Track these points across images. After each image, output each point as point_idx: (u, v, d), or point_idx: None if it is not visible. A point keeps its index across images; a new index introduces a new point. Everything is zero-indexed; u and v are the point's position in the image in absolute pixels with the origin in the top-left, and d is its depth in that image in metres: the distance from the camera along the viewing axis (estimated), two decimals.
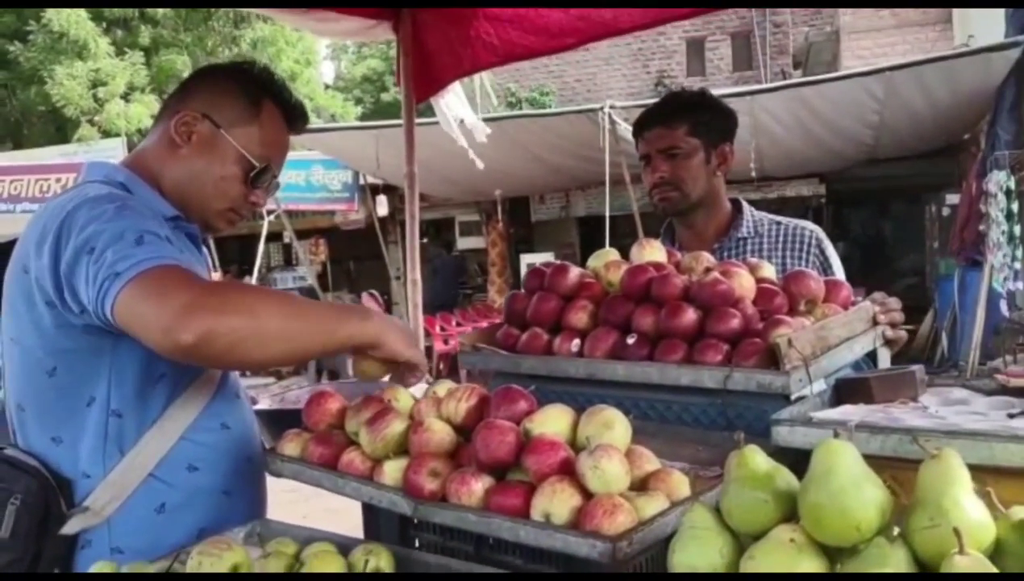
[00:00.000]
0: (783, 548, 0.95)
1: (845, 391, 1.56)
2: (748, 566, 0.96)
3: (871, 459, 0.99)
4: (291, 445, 1.56)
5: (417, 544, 1.45)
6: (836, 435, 0.98)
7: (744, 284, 1.74)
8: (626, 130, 9.51)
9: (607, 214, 8.93)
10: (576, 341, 1.80)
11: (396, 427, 1.43)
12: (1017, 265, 6.36)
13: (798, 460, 1.08)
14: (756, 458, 1.03)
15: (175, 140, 1.61)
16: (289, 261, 14.72)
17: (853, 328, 1.75)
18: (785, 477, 1.02)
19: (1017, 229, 6.45)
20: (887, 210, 15.42)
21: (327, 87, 20.28)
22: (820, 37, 16.49)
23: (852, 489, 0.93)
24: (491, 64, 2.84)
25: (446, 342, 11.16)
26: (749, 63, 19.15)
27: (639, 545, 1.16)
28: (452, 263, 14.26)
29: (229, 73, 1.70)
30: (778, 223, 2.33)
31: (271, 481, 1.69)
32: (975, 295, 6.56)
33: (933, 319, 9.83)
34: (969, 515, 0.89)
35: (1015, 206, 6.53)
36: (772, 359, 1.56)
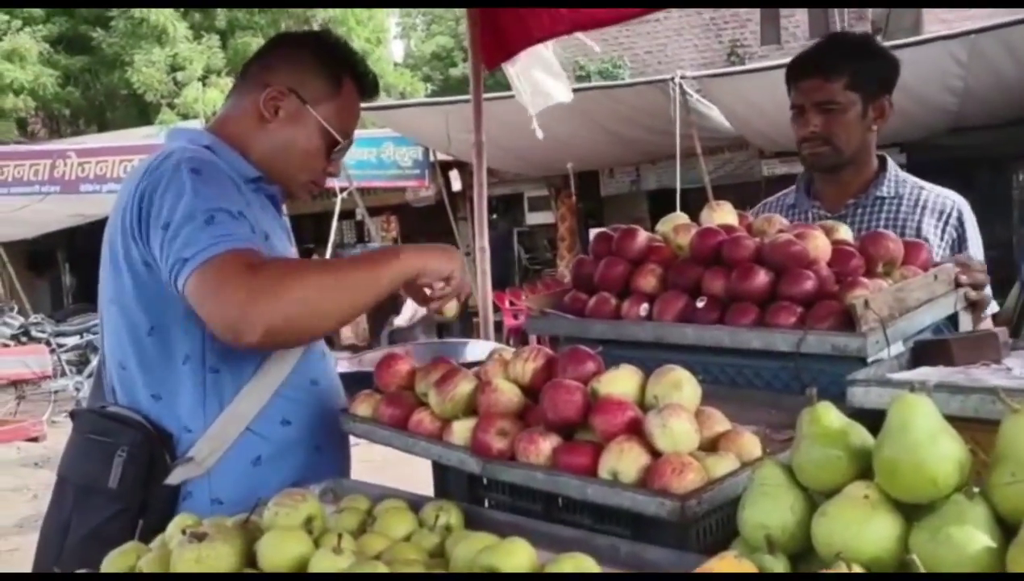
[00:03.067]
0: (857, 504, 0.93)
1: (924, 354, 1.51)
2: (820, 523, 0.94)
3: (951, 420, 0.96)
4: (363, 406, 1.59)
5: (487, 504, 1.47)
6: (913, 391, 0.95)
7: (819, 245, 1.70)
8: (697, 102, 9.35)
9: (678, 187, 8.81)
10: (645, 305, 1.79)
11: (464, 387, 1.44)
12: None
13: (875, 423, 1.04)
14: (829, 414, 1.01)
15: (264, 114, 1.67)
16: (362, 238, 14.93)
17: (933, 290, 1.69)
18: (859, 434, 0.99)
19: None
20: (971, 180, 14.73)
21: (396, 65, 20.41)
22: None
23: (928, 443, 0.90)
24: (558, 33, 2.82)
25: (516, 317, 11.20)
26: (827, 30, 18.50)
27: (708, 504, 1.15)
28: (499, 239, 14.32)
29: (310, 47, 1.75)
30: (921, 187, 2.23)
31: None
32: None
33: (1020, 291, 9.43)
34: None
35: None
36: (847, 321, 1.52)
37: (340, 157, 1.77)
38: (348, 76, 1.73)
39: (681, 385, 1.31)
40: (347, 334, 11.51)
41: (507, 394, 1.40)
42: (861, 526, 0.92)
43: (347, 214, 13.22)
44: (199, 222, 1.42)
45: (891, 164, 2.24)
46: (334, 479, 1.56)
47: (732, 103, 9.33)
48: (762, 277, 1.65)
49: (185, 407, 1.58)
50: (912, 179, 2.24)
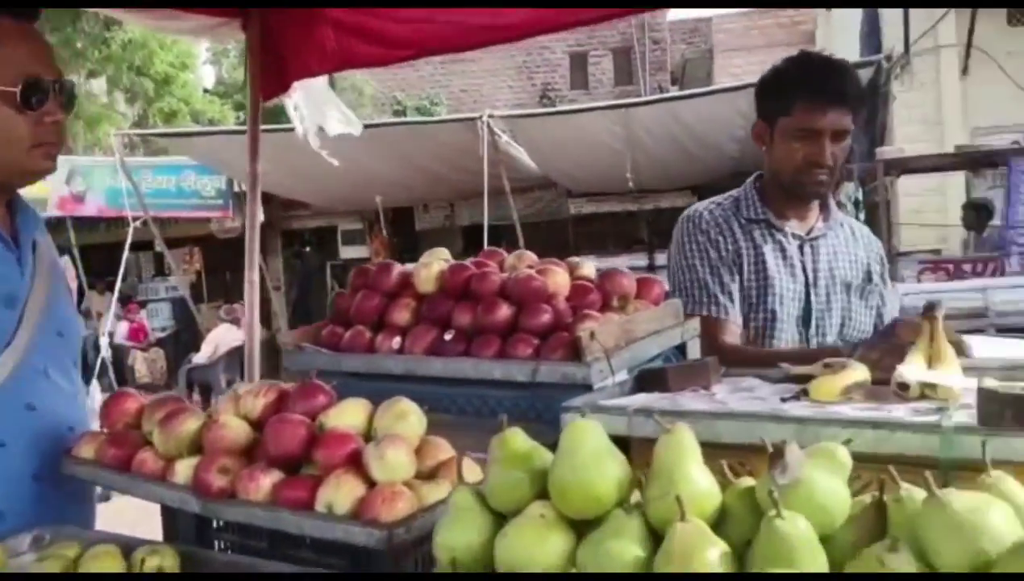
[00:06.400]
0: (533, 523, 0.99)
1: (644, 381, 1.62)
2: (501, 543, 0.99)
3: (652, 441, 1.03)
4: (87, 447, 1.51)
5: (220, 546, 1.43)
6: (583, 415, 1.03)
7: (559, 281, 1.79)
8: (507, 142, 9.63)
9: (485, 223, 8.98)
10: (397, 338, 1.81)
11: (190, 425, 1.40)
12: None
13: None
14: (516, 439, 1.06)
15: None
16: (161, 271, 14.18)
17: (662, 322, 1.82)
18: (544, 457, 1.05)
19: None
20: None
21: (206, 91, 19.67)
22: (695, 55, 17.13)
23: (593, 464, 0.98)
24: (330, 69, 2.84)
25: None
26: (630, 78, 19.66)
27: (419, 531, 1.18)
28: (312, 272, 14.17)
29: None
30: (846, 217, 2.31)
31: None
32: None
33: None
34: (696, 485, 0.95)
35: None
36: (578, 352, 1.61)
37: (44, 105, 1.52)
38: None
39: (406, 415, 1.33)
40: (142, 371, 10.85)
41: (234, 430, 1.38)
42: (536, 545, 0.97)
43: (145, 245, 12.51)
44: None
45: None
46: (51, 525, 1.46)
47: (540, 144, 9.68)
48: (504, 310, 1.72)
49: None
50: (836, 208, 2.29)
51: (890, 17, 10.08)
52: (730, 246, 2.15)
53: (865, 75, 8.47)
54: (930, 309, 1.49)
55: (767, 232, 2.16)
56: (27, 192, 1.73)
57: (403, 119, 12.35)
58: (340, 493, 1.22)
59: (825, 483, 0.91)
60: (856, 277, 2.19)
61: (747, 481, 0.98)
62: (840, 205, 7.50)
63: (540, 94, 19.64)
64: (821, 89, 2.01)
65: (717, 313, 2.10)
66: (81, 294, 11.26)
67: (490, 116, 9.26)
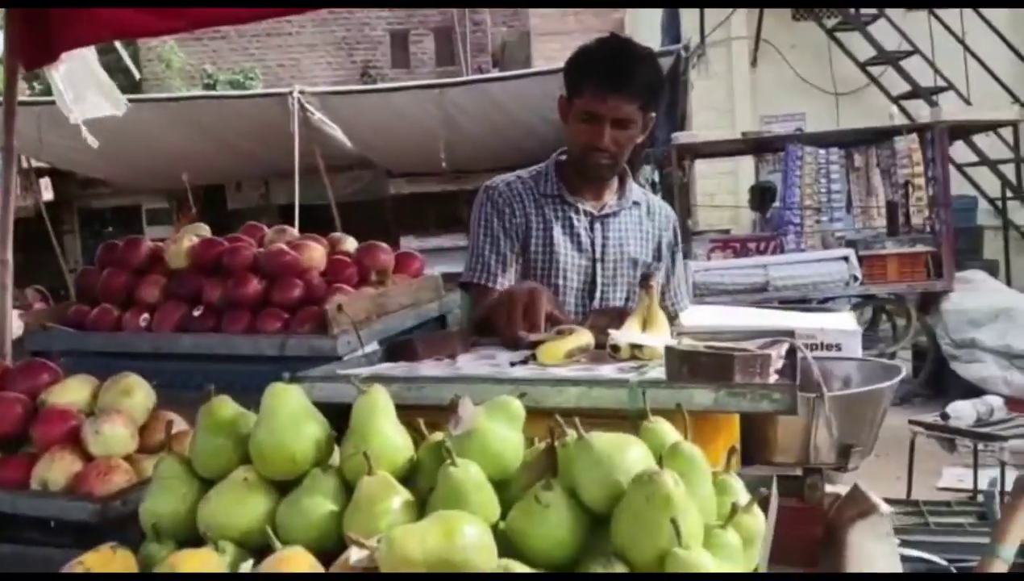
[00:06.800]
0: (237, 487, 1.02)
1: (393, 352, 1.68)
2: (203, 508, 1.02)
3: (400, 407, 1.08)
4: None
5: None
6: (286, 381, 1.07)
7: (314, 256, 1.82)
8: (320, 120, 9.43)
9: (296, 202, 8.79)
10: (146, 315, 1.78)
11: None
12: None
13: (338, 415, 1.13)
14: (222, 407, 1.09)
15: None
16: None
17: (417, 296, 1.89)
18: (250, 423, 1.08)
19: None
20: None
21: None
22: (514, 37, 17.42)
23: (291, 426, 1.02)
24: (103, 39, 2.70)
25: None
26: (452, 58, 19.72)
27: (135, 504, 1.18)
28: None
29: None
30: (646, 194, 2.36)
31: None
32: None
33: None
34: (387, 441, 1.01)
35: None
36: (326, 325, 1.65)
37: None
38: None
39: (131, 391, 1.33)
40: None
41: None
42: (236, 506, 1.01)
43: None
44: None
45: (629, 170, 2.34)
46: None
47: (356, 122, 9.55)
48: (255, 284, 1.73)
49: None
50: (638, 186, 2.36)
51: (688, 9, 10.67)
52: (518, 218, 2.21)
53: (666, 63, 8.94)
54: (646, 279, 1.64)
55: (559, 207, 2.23)
56: None
57: (207, 93, 11.83)
58: (54, 469, 1.20)
59: (497, 432, 1.00)
60: (644, 254, 2.30)
61: (438, 436, 1.06)
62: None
63: (361, 72, 19.33)
64: (606, 76, 2.07)
65: (485, 281, 2.17)
66: None
67: (301, 92, 9.05)
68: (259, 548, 0.97)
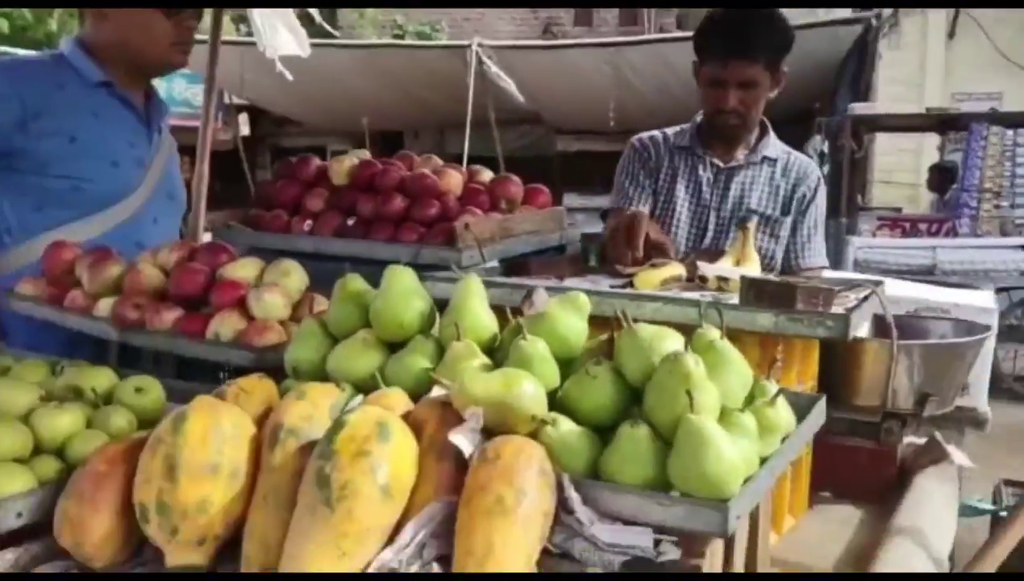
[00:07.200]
0: (358, 344, 1.28)
1: (511, 269, 1.91)
2: (330, 358, 1.28)
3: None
4: (29, 286, 1.79)
5: None
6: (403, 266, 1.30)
7: (452, 181, 2.06)
8: (496, 74, 9.74)
9: (465, 153, 9.14)
10: (309, 221, 2.09)
11: (113, 270, 1.68)
12: None
13: None
14: (355, 283, 1.35)
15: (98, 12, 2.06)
16: None
17: (540, 226, 2.10)
18: (373, 296, 1.34)
19: None
20: None
21: None
22: None
23: (401, 299, 1.27)
24: None
25: None
26: (635, 19, 19.57)
27: (283, 356, 1.46)
28: None
29: None
30: (789, 152, 2.42)
31: None
32: None
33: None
34: (474, 317, 1.24)
35: (826, 169, 7.16)
36: (454, 239, 1.89)
37: (183, 12, 2.09)
38: None
39: (289, 273, 1.62)
40: None
41: (148, 275, 1.66)
42: (355, 359, 1.26)
43: None
44: None
45: (769, 127, 2.41)
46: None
47: (530, 77, 9.78)
48: (399, 202, 1.99)
49: None
50: (781, 144, 2.43)
51: None
52: (652, 162, 2.41)
53: (853, 32, 8.62)
54: (743, 221, 1.77)
55: (689, 157, 2.39)
56: None
57: (390, 41, 12.35)
58: (225, 325, 1.50)
59: (564, 318, 1.20)
60: (768, 208, 2.36)
61: (522, 322, 1.27)
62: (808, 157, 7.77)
63: (543, 28, 19.55)
64: (725, 42, 2.19)
65: (620, 204, 2.39)
66: None
67: (480, 45, 9.37)
68: (369, 390, 1.22)
